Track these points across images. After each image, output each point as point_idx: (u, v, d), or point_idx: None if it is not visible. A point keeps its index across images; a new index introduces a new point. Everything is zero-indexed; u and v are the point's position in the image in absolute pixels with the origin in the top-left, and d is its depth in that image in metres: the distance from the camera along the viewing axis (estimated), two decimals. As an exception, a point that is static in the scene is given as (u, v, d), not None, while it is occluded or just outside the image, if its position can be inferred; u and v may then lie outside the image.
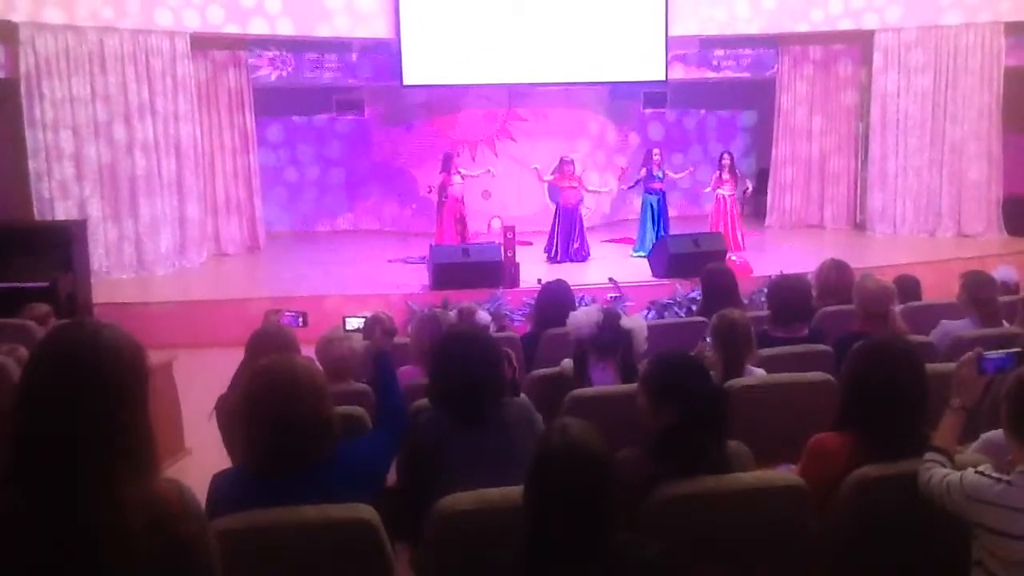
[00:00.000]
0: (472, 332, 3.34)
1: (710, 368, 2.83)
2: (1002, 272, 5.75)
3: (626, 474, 2.49)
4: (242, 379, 2.98)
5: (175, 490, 1.70)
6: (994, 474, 2.36)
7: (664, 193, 11.44)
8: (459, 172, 11.22)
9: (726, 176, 11.26)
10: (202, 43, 11.45)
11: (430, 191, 11.56)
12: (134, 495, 1.62)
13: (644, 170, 11.41)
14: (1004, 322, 4.70)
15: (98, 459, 1.61)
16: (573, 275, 9.41)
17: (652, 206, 11.29)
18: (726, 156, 11.45)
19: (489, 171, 11.70)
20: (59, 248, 8.36)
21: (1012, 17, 12.05)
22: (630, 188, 11.87)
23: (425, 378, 3.90)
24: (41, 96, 10.02)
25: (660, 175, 11.33)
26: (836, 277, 5.31)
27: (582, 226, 11.25)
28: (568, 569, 2.00)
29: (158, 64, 10.84)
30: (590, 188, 11.57)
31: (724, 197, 11.26)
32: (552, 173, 11.32)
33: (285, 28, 11.63)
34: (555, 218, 11.15)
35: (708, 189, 11.72)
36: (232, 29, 11.37)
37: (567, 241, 11.01)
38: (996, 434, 2.65)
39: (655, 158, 11.37)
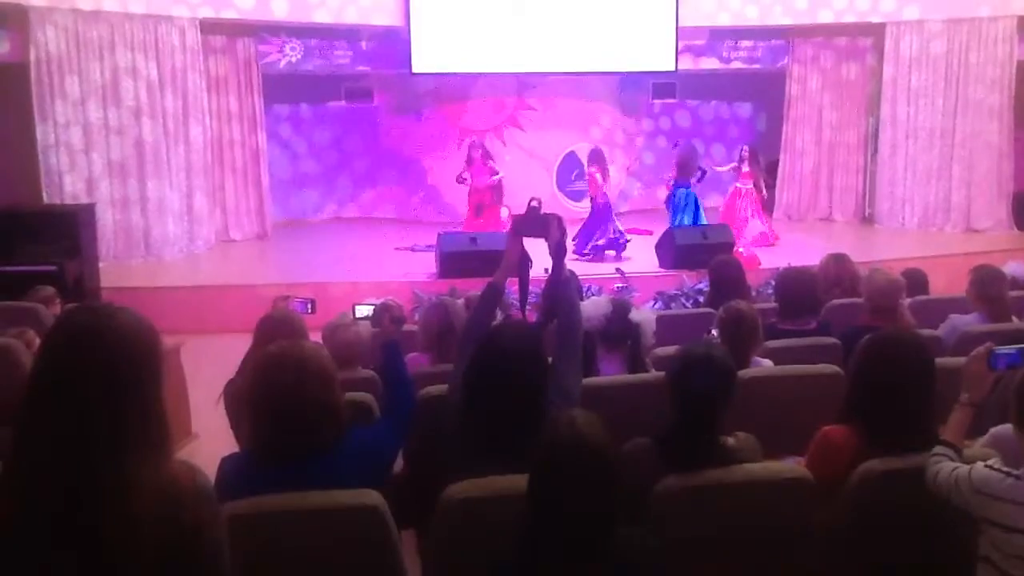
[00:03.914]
0: (525, 351, 2.70)
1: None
2: (1013, 268, 5.73)
3: (634, 465, 2.50)
4: (251, 364, 2.98)
5: (188, 473, 1.71)
6: (1003, 468, 2.36)
7: (688, 188, 10.95)
8: (485, 163, 11.12)
9: (746, 168, 11.19)
10: (212, 29, 11.44)
11: (461, 181, 11.38)
12: (148, 478, 1.62)
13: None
14: (1013, 318, 4.69)
15: (113, 443, 1.61)
16: (580, 265, 9.43)
17: (682, 198, 10.88)
18: (745, 149, 11.35)
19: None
20: (67, 232, 8.39)
21: (1026, 11, 11.99)
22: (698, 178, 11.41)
23: (432, 366, 3.91)
24: (51, 82, 10.01)
25: None
26: (836, 269, 5.33)
27: (610, 225, 10.74)
28: (571, 561, 2.00)
29: (168, 49, 10.83)
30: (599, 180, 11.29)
31: (741, 190, 11.18)
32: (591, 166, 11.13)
33: (295, 15, 11.61)
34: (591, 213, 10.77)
35: (725, 168, 11.57)
36: (242, 15, 11.35)
37: (589, 235, 10.58)
38: (1004, 429, 2.64)
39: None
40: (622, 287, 8.81)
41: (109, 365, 1.63)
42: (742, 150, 11.40)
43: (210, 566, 1.70)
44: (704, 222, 10.71)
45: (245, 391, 2.62)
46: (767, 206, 12.00)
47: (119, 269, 10.00)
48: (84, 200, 9.94)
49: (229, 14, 11.25)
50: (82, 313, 1.74)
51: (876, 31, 12.74)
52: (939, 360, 2.98)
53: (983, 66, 12.19)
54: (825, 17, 12.66)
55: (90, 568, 1.60)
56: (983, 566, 2.38)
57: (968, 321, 4.60)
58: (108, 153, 10.47)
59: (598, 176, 10.69)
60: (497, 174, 11.23)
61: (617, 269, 9.32)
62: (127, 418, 1.63)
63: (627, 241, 10.61)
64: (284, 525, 2.36)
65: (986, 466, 2.38)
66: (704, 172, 11.07)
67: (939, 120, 12.40)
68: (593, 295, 6.60)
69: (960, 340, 4.27)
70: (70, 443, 1.60)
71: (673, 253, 9.66)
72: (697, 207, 10.84)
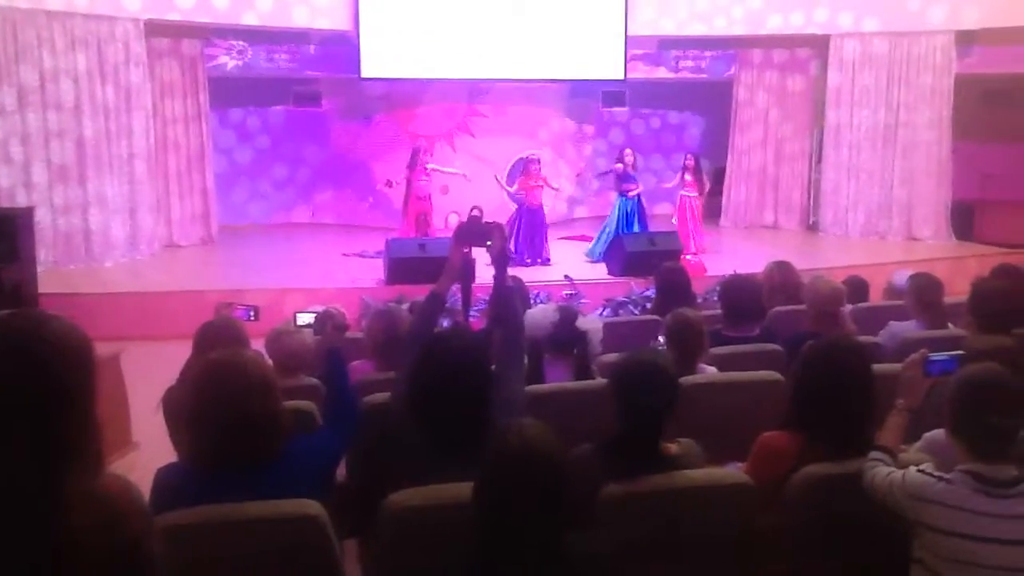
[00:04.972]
0: (466, 359, 2.67)
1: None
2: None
3: (578, 472, 2.50)
4: (190, 373, 2.93)
5: (121, 486, 1.67)
6: (935, 473, 2.41)
7: (638, 195, 11.14)
8: (425, 169, 11.07)
9: (689, 177, 11.28)
10: (157, 30, 11.25)
11: (389, 185, 11.38)
12: (79, 492, 1.58)
13: (620, 164, 11.08)
14: (949, 324, 4.80)
15: (40, 455, 1.57)
16: (529, 272, 9.45)
17: (625, 210, 10.99)
18: (689, 157, 11.44)
19: (464, 175, 11.33)
20: (4, 237, 8.16)
21: (963, 25, 12.31)
22: (600, 175, 11.58)
23: (377, 373, 3.88)
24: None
25: (634, 175, 11.09)
26: (780, 276, 5.42)
27: (546, 229, 10.97)
28: (520, 567, 1.99)
29: (111, 51, 10.63)
30: (554, 186, 11.25)
31: (687, 198, 11.28)
32: (517, 177, 11.23)
33: (243, 17, 11.48)
34: (517, 219, 10.80)
35: (670, 184, 11.61)
36: (189, 17, 11.18)
37: (529, 243, 10.67)
38: (938, 434, 2.70)
39: (627, 159, 11.09)
40: (571, 294, 8.84)
41: (36, 375, 1.59)
42: (685, 159, 11.49)
43: (146, 580, 1.67)
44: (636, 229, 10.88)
45: (184, 400, 2.57)
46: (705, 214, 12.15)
47: (59, 275, 9.78)
48: (23, 203, 9.68)
49: (173, 16, 11.08)
50: (12, 320, 1.69)
51: (821, 43, 12.99)
52: (879, 366, 3.04)
53: (924, 78, 12.50)
54: (770, 29, 12.88)
55: None
56: (916, 568, 2.43)
57: (906, 328, 4.70)
58: (48, 157, 10.23)
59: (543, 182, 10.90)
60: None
61: (566, 276, 9.35)
62: (59, 429, 1.60)
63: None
64: (224, 535, 2.32)
65: (919, 471, 2.43)
66: (607, 172, 11.28)
67: (881, 131, 12.70)
68: (541, 302, 6.61)
69: (899, 346, 4.35)
70: (2, 453, 1.56)
71: (622, 260, 9.74)
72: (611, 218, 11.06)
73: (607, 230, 11.06)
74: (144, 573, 1.65)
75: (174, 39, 11.67)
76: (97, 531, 1.58)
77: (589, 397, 3.51)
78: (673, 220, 11.34)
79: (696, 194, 11.27)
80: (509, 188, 11.41)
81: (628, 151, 11.36)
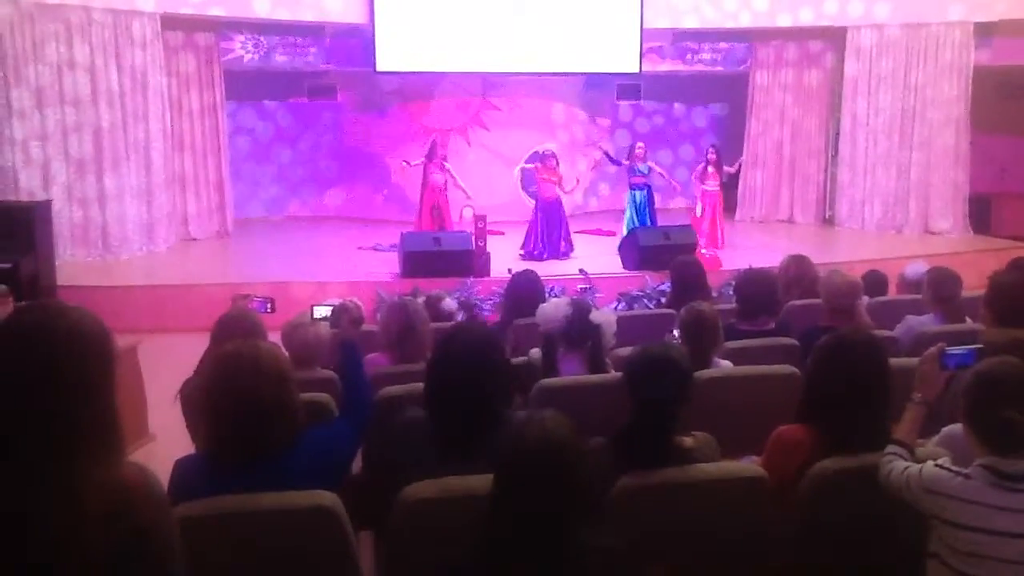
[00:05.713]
0: (477, 354, 2.71)
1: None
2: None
3: (593, 464, 2.50)
4: (206, 364, 2.94)
5: (139, 475, 1.68)
6: (953, 467, 2.40)
7: (649, 187, 11.11)
8: (442, 164, 11.05)
9: (711, 170, 11.23)
10: (173, 23, 11.29)
11: (406, 165, 11.35)
12: (95, 481, 1.59)
13: (626, 161, 11.11)
14: (967, 318, 4.76)
15: (61, 445, 1.59)
16: (543, 265, 9.44)
17: (636, 201, 11.01)
18: (711, 151, 11.39)
19: (468, 195, 11.21)
20: (22, 229, 8.23)
21: (981, 17, 12.20)
22: (604, 155, 11.41)
23: (392, 366, 3.89)
24: (6, 75, 9.82)
25: (644, 169, 11.02)
26: (796, 269, 5.39)
27: (564, 223, 10.87)
28: (534, 562, 1.99)
29: (127, 44, 10.67)
30: (567, 189, 11.13)
31: (709, 192, 11.24)
32: (533, 163, 11.20)
33: (258, 10, 11.50)
34: (535, 217, 10.77)
35: (703, 186, 11.44)
36: (202, 10, 11.21)
37: (547, 238, 10.65)
38: (956, 428, 2.68)
39: (638, 151, 11.06)
40: (585, 288, 8.84)
41: (57, 365, 1.60)
42: (708, 152, 11.46)
43: (159, 569, 1.67)
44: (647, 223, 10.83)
45: (200, 391, 2.59)
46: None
47: (76, 267, 9.85)
48: (40, 197, 9.75)
49: (192, 8, 11.11)
50: (30, 312, 1.71)
51: (838, 35, 12.91)
52: (894, 360, 3.02)
53: (941, 71, 12.41)
54: (788, 21, 12.81)
55: (36, 569, 1.57)
56: (932, 562, 2.42)
57: (923, 322, 4.67)
58: (66, 148, 10.30)
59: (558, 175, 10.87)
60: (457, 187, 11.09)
61: (581, 270, 9.34)
62: (76, 419, 1.61)
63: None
64: (239, 526, 2.33)
65: (936, 465, 2.42)
66: (609, 158, 11.28)
67: (898, 123, 12.61)
68: (555, 296, 6.61)
69: (915, 340, 4.33)
70: (17, 444, 1.57)
71: (636, 254, 9.72)
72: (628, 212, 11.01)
73: (628, 223, 11.01)
74: (158, 561, 1.66)
75: (188, 32, 11.70)
76: (112, 518, 1.59)
77: (603, 390, 3.50)
78: (697, 214, 11.28)
79: (718, 188, 11.24)
80: (516, 173, 11.38)
81: (639, 145, 11.33)
